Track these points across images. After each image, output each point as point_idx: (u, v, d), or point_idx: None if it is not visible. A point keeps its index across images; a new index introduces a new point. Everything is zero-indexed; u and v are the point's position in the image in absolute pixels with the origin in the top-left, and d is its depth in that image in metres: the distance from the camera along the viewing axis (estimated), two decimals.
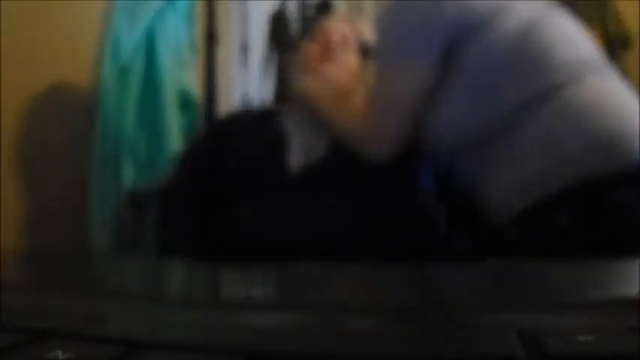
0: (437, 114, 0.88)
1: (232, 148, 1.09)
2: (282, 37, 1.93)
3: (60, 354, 0.22)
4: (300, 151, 1.00)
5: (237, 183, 1.05)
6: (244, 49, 1.99)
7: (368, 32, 1.24)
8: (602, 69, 0.83)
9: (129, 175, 1.26)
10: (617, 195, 0.73)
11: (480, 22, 0.82)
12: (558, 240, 0.76)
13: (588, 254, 0.69)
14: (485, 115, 0.83)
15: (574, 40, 0.84)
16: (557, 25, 0.84)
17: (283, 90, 1.79)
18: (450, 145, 0.95)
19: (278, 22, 1.96)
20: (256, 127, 1.13)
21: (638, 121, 0.74)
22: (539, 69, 0.80)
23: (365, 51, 1.23)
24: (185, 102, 1.40)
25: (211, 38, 1.51)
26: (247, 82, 1.99)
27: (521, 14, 0.82)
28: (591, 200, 0.74)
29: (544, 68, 0.80)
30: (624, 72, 1.00)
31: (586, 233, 0.74)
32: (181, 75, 1.40)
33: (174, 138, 1.31)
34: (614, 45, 0.91)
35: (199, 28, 1.52)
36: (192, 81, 1.45)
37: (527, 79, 0.80)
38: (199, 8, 1.52)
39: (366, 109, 0.94)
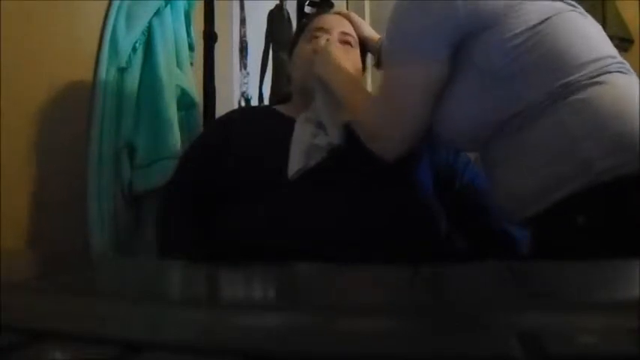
0: (447, 109, 0.88)
1: (232, 147, 1.08)
2: (281, 35, 1.93)
3: (59, 354, 0.22)
4: (301, 151, 1.00)
5: (237, 183, 1.05)
6: (243, 49, 1.99)
7: (367, 28, 1.24)
8: (619, 69, 0.82)
9: (128, 175, 1.26)
10: (633, 195, 0.72)
11: (493, 18, 0.81)
12: (575, 242, 0.75)
13: (605, 256, 0.69)
14: (496, 111, 0.82)
15: (591, 39, 0.83)
16: (574, 24, 0.84)
17: (281, 89, 1.79)
18: (460, 142, 0.94)
19: (276, 20, 1.96)
20: (256, 127, 1.13)
21: None
22: (554, 68, 0.79)
23: (364, 46, 1.23)
24: (184, 102, 1.40)
25: (210, 38, 1.50)
26: (246, 82, 1.99)
27: (537, 12, 0.82)
28: (609, 202, 0.74)
29: (559, 67, 0.79)
30: None
31: (604, 235, 0.73)
32: (180, 75, 1.40)
33: (173, 137, 1.30)
34: (614, 45, 0.90)
35: (198, 28, 1.52)
36: (191, 80, 1.45)
37: (541, 77, 0.79)
38: (198, 8, 1.52)
39: (376, 109, 0.93)
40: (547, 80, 0.79)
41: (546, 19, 0.81)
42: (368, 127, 0.93)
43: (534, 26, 0.80)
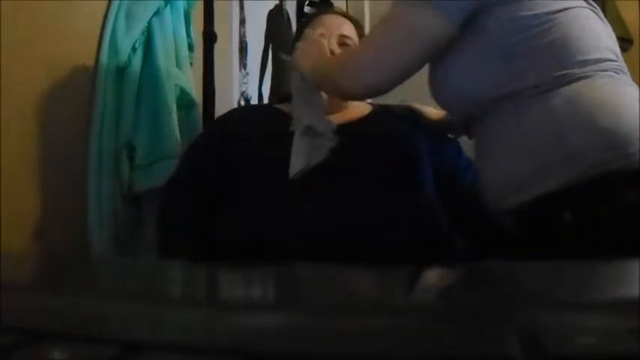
0: (449, 72, 0.88)
1: (232, 146, 1.08)
2: (281, 35, 1.93)
3: (59, 354, 0.22)
4: (303, 151, 0.99)
5: (237, 182, 1.05)
6: (242, 49, 1.99)
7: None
8: (616, 68, 0.83)
9: (128, 175, 1.26)
10: (622, 192, 0.72)
11: None
12: (560, 236, 0.76)
13: (590, 252, 0.69)
14: (493, 86, 0.83)
15: (596, 36, 0.84)
16: (587, 21, 0.85)
17: (281, 89, 1.79)
18: (453, 108, 0.94)
19: (276, 20, 1.96)
20: (256, 126, 1.13)
21: None
22: (558, 58, 0.80)
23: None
24: (184, 101, 1.40)
25: (210, 38, 1.50)
26: (245, 82, 1.99)
27: (552, 1, 0.83)
28: (595, 197, 0.74)
29: (563, 58, 0.80)
30: None
31: (589, 230, 0.73)
32: (180, 75, 1.40)
33: (173, 137, 1.30)
34: None
35: (198, 28, 1.51)
36: (191, 80, 1.45)
37: (543, 63, 0.80)
38: (198, 8, 1.52)
39: (365, 46, 0.92)
40: (548, 67, 0.80)
41: (564, 10, 0.82)
42: (345, 65, 0.92)
43: (551, 13, 0.81)
